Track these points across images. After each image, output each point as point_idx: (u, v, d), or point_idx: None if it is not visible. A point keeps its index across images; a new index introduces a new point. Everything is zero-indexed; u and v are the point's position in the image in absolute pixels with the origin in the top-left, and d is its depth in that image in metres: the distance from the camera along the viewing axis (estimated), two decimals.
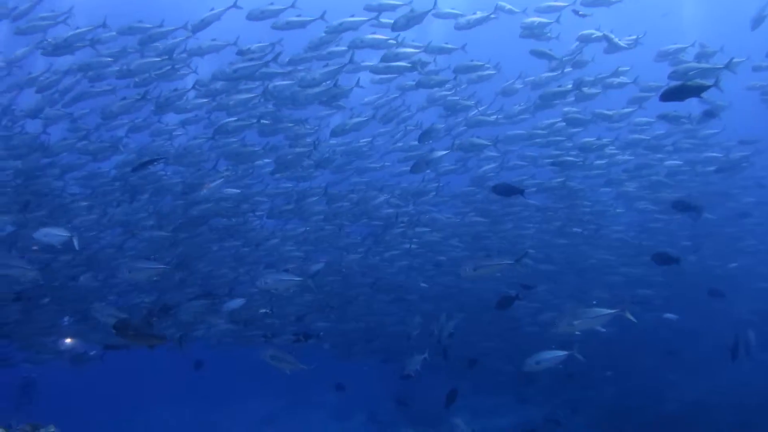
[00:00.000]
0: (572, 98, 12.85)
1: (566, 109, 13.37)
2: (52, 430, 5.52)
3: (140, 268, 9.82)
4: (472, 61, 12.25)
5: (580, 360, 9.28)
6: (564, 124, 13.54)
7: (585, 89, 12.40)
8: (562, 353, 9.21)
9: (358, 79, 11.48)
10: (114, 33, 10.94)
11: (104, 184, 13.15)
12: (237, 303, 12.76)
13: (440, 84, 12.28)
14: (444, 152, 12.74)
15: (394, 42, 11.00)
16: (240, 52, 10.69)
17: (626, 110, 13.55)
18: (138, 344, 9.75)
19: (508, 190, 11.91)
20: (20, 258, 11.05)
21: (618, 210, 16.71)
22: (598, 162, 14.93)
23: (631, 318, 8.38)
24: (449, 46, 11.94)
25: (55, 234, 9.87)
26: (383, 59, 11.21)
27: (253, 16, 10.14)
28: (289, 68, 11.22)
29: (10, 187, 12.40)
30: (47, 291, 13.48)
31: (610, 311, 8.42)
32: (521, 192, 11.63)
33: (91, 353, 15.52)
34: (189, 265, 14.55)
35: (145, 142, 13.06)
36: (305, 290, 14.76)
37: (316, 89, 11.18)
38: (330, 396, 24.19)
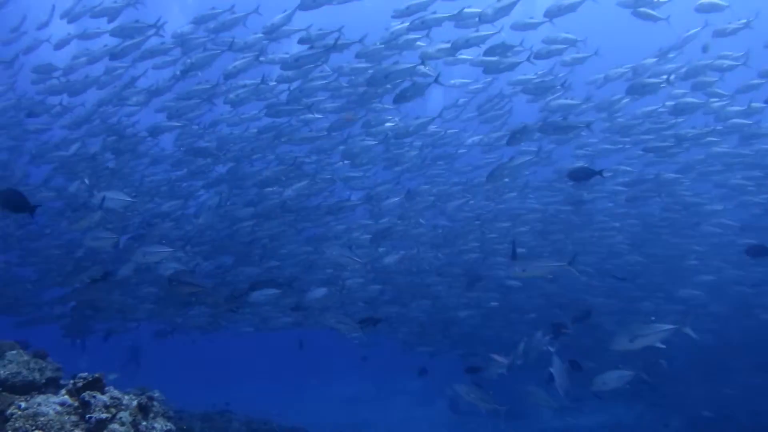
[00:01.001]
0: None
1: (676, 91, 12.56)
2: (157, 394, 5.77)
3: (154, 252, 10.35)
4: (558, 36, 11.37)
5: (653, 375, 8.90)
6: (665, 110, 12.76)
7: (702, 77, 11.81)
8: (627, 373, 9.05)
9: (438, 74, 10.76)
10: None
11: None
12: (320, 293, 12.88)
13: (511, 67, 11.44)
14: (526, 159, 11.99)
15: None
16: (302, 40, 10.56)
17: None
18: (183, 293, 10.87)
19: (585, 174, 11.25)
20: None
21: (717, 207, 15.40)
22: (697, 154, 14.06)
23: (692, 334, 7.77)
24: (534, 20, 11.13)
25: (114, 198, 10.22)
26: (454, 45, 10.67)
27: (305, 6, 9.88)
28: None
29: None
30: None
31: (669, 327, 7.87)
32: (599, 173, 10.81)
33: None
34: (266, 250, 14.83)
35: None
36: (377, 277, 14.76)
37: (393, 83, 10.89)
38: (413, 383, 24.26)
